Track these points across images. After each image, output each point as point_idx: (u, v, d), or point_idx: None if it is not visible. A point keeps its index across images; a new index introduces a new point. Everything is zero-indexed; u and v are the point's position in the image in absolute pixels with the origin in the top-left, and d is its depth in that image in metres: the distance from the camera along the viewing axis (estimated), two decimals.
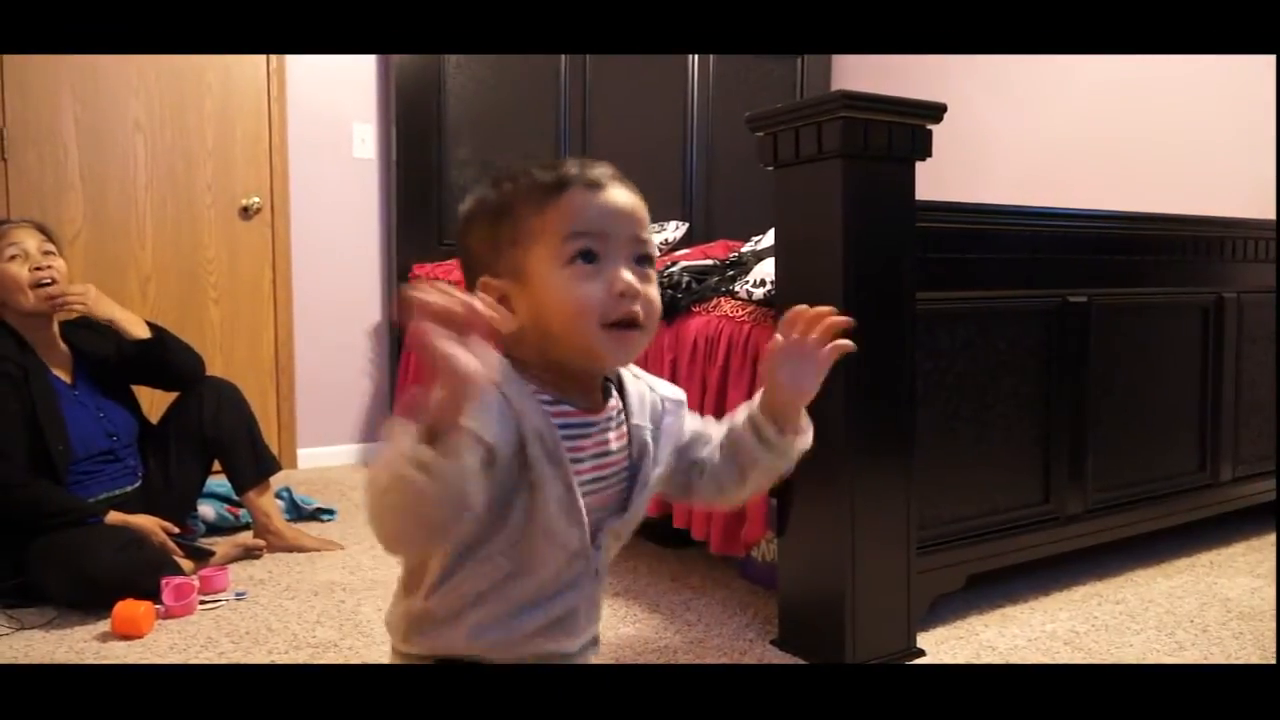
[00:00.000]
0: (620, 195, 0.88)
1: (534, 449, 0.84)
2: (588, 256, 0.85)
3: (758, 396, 0.99)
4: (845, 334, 0.96)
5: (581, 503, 0.87)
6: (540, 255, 0.86)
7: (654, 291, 0.89)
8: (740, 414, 1.01)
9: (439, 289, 0.67)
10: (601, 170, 0.89)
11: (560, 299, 0.85)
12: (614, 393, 0.94)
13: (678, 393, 1.00)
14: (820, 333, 0.95)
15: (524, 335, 0.88)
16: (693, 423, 1.02)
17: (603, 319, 0.84)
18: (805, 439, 0.99)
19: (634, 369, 0.98)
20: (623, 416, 0.94)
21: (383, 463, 0.70)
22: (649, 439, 0.94)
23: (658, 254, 0.92)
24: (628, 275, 0.86)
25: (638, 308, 0.86)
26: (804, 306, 0.96)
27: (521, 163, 0.92)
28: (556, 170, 0.88)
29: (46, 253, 2.33)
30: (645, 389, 0.97)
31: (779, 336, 0.95)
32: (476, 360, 0.68)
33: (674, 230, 3.69)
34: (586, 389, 0.91)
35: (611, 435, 0.92)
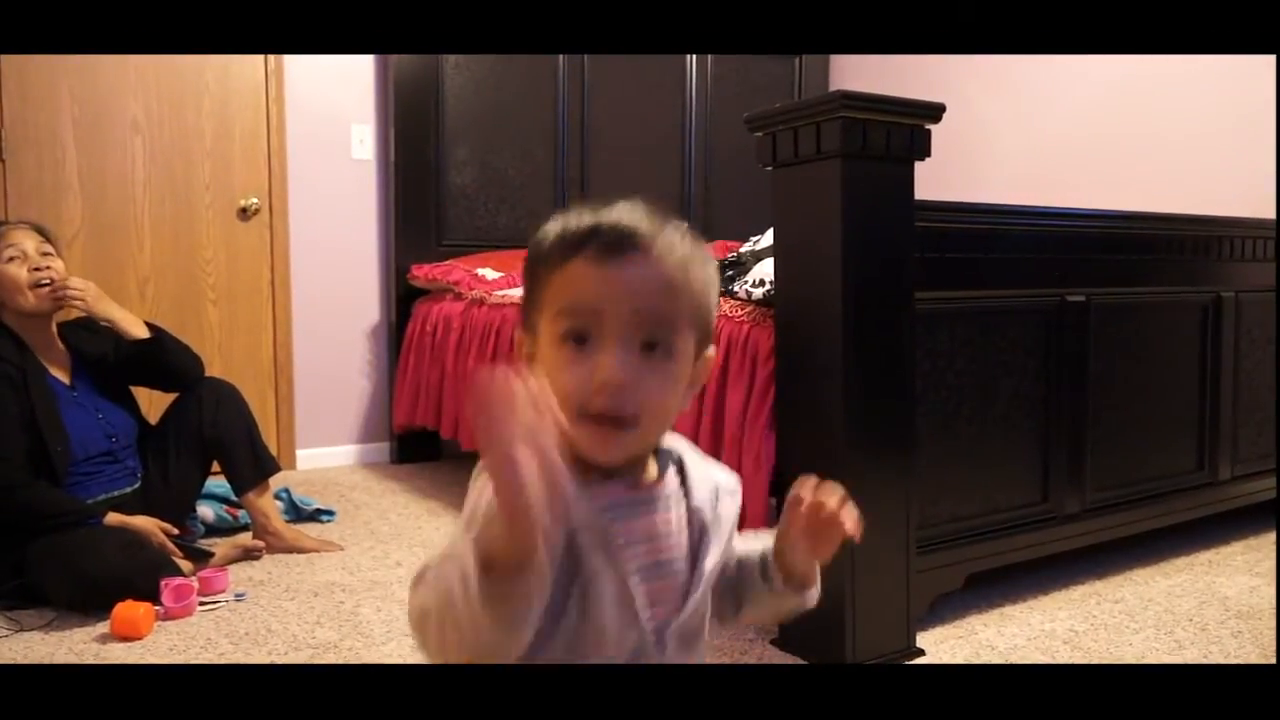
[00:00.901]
0: (638, 268, 0.77)
1: (583, 538, 0.76)
2: (577, 338, 0.76)
3: (771, 538, 0.91)
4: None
5: (638, 596, 0.79)
6: (546, 326, 0.78)
7: (655, 385, 0.77)
8: (754, 543, 0.93)
9: (517, 382, 0.60)
10: (634, 230, 0.77)
11: (549, 379, 0.75)
12: (670, 468, 0.85)
13: (734, 480, 0.91)
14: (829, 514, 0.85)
15: None
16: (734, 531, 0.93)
17: (580, 409, 0.75)
18: (811, 595, 0.92)
19: (692, 448, 0.89)
20: (683, 494, 0.85)
21: (433, 582, 0.64)
22: (708, 523, 0.85)
23: (682, 341, 0.80)
24: (611, 365, 0.75)
25: (619, 400, 0.75)
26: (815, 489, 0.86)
27: (579, 208, 0.81)
28: (584, 227, 0.78)
29: (44, 254, 2.33)
30: (704, 469, 0.89)
31: (803, 496, 0.86)
32: (550, 478, 0.60)
33: None
34: (636, 466, 0.82)
35: (671, 515, 0.83)
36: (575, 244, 0.77)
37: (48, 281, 2.31)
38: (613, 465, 0.79)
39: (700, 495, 0.85)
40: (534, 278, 0.80)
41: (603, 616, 0.76)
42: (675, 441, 0.88)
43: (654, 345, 0.77)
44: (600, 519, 0.77)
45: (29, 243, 2.32)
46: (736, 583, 0.93)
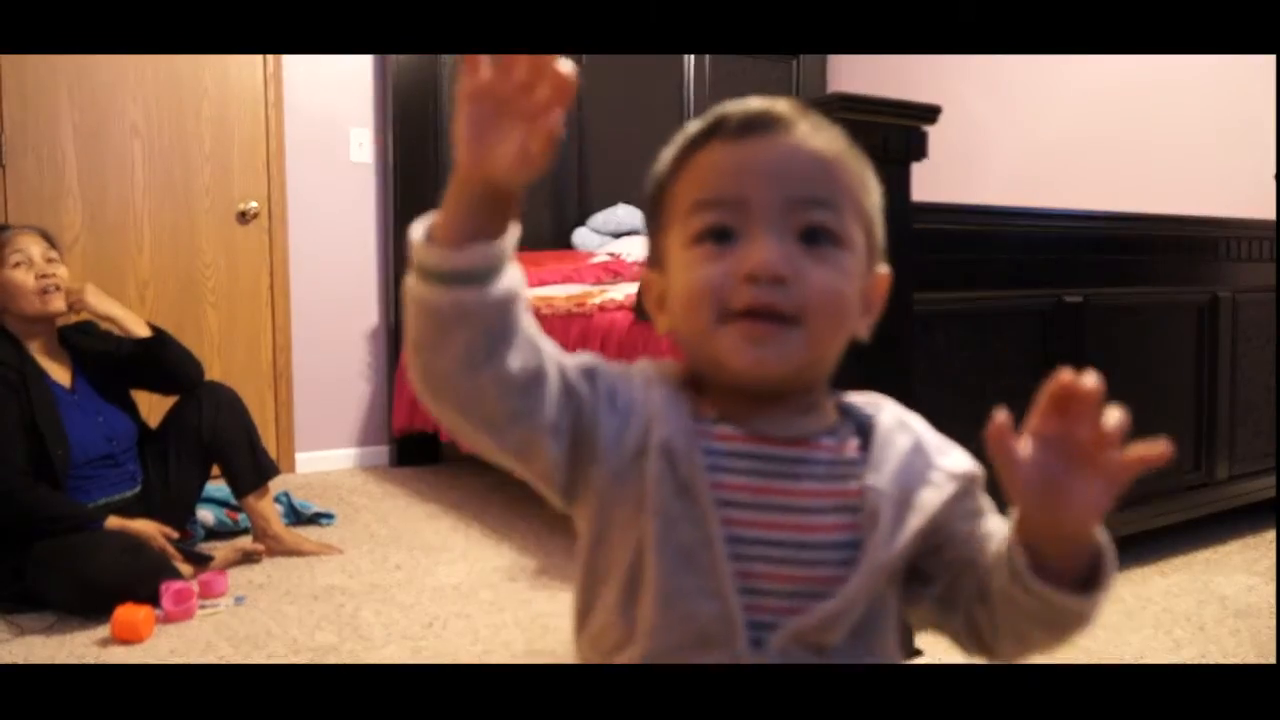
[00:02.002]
0: (781, 144, 0.64)
1: (657, 466, 0.62)
2: (719, 235, 0.62)
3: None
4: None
5: (725, 563, 0.61)
6: (674, 236, 0.66)
7: (823, 276, 0.62)
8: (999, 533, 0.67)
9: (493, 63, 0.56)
10: (769, 111, 0.65)
11: (680, 287, 0.64)
12: (851, 431, 0.68)
13: (963, 465, 0.68)
14: (1096, 428, 0.60)
15: (679, 340, 0.68)
16: (983, 521, 0.68)
17: (720, 308, 0.61)
18: (1090, 603, 0.62)
19: (912, 416, 0.70)
20: (857, 468, 0.66)
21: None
22: (882, 508, 0.64)
23: (848, 228, 0.64)
24: (766, 251, 0.60)
25: (776, 295, 0.61)
26: (1069, 376, 0.59)
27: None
28: (709, 119, 0.67)
29: (50, 260, 2.35)
30: (908, 443, 0.67)
31: (1038, 420, 0.60)
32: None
33: None
34: (781, 412, 0.65)
35: (821, 487, 0.65)
36: (701, 136, 0.66)
37: (53, 288, 2.33)
38: (766, 379, 0.63)
39: (885, 472, 0.65)
40: (658, 200, 0.69)
41: (665, 571, 0.61)
42: (882, 402, 0.71)
43: (815, 234, 0.63)
44: (689, 451, 0.62)
45: (35, 248, 2.34)
46: (981, 594, 0.66)
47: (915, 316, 1.83)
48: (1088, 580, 0.63)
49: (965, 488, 0.67)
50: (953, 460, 0.68)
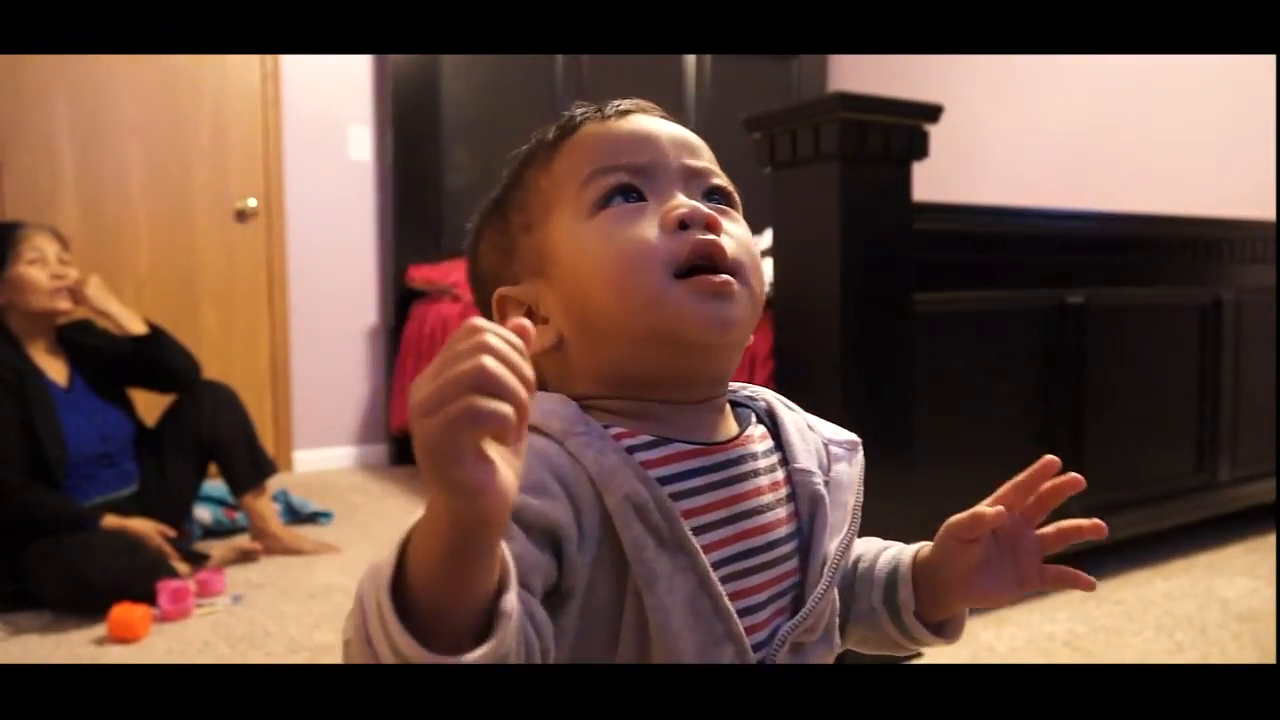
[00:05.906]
0: (664, 122, 0.64)
1: (631, 529, 0.54)
2: (626, 193, 0.60)
3: (917, 551, 0.70)
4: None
5: (725, 601, 0.57)
6: (561, 219, 0.61)
7: (743, 233, 0.61)
8: (884, 552, 0.72)
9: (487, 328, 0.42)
10: (630, 102, 0.65)
11: (598, 256, 0.58)
12: (754, 420, 0.65)
13: (849, 434, 0.70)
14: (1054, 537, 0.71)
15: (570, 356, 0.61)
16: None
17: (671, 264, 0.57)
18: (938, 643, 0.69)
19: (782, 399, 0.70)
20: (776, 456, 0.64)
21: (355, 630, 0.48)
22: (822, 490, 0.64)
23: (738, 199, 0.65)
24: (688, 201, 0.59)
25: (723, 242, 0.58)
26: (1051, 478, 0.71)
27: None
28: (574, 113, 0.65)
29: (63, 261, 2.38)
30: (802, 423, 0.68)
31: (999, 508, 0.70)
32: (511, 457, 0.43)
33: None
34: (696, 411, 0.61)
35: (764, 482, 0.62)
36: (567, 125, 0.64)
37: (64, 289, 2.35)
38: (726, 342, 0.58)
39: (803, 455, 0.65)
40: (517, 199, 0.64)
41: (672, 637, 0.55)
42: (757, 389, 0.70)
43: (718, 197, 0.63)
44: (660, 499, 0.55)
45: (50, 248, 2.36)
46: (846, 594, 0.70)
47: (916, 317, 1.83)
48: (942, 624, 0.69)
49: (859, 452, 0.69)
50: (840, 432, 0.70)
